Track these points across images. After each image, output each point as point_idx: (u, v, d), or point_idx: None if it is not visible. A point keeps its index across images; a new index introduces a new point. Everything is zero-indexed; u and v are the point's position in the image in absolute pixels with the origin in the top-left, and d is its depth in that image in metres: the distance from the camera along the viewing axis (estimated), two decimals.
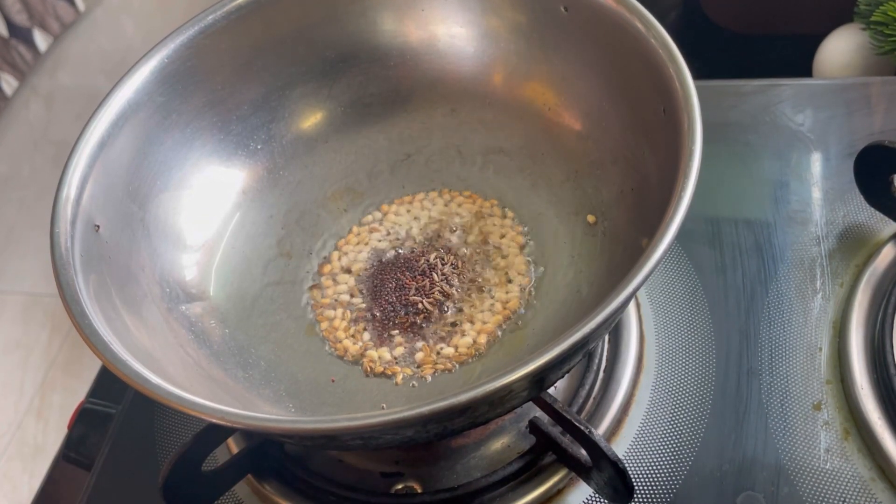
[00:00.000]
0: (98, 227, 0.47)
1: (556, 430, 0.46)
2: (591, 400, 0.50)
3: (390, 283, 0.54)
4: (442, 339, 0.51)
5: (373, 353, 0.51)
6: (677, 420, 0.50)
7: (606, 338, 0.53)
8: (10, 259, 1.54)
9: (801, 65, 0.73)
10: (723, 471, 0.47)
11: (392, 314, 0.53)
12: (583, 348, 0.38)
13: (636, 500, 0.47)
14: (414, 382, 0.50)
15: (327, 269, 0.56)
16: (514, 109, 0.57)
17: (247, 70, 0.56)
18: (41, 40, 1.75)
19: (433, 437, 0.40)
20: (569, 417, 0.43)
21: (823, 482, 0.46)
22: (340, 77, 0.59)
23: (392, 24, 0.58)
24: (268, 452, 0.50)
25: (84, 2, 1.87)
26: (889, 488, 0.45)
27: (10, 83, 1.71)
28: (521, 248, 0.54)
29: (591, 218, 0.53)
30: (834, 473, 0.46)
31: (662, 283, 0.56)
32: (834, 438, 0.47)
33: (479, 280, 0.53)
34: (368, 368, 0.51)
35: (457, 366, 0.50)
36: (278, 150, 0.59)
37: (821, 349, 0.51)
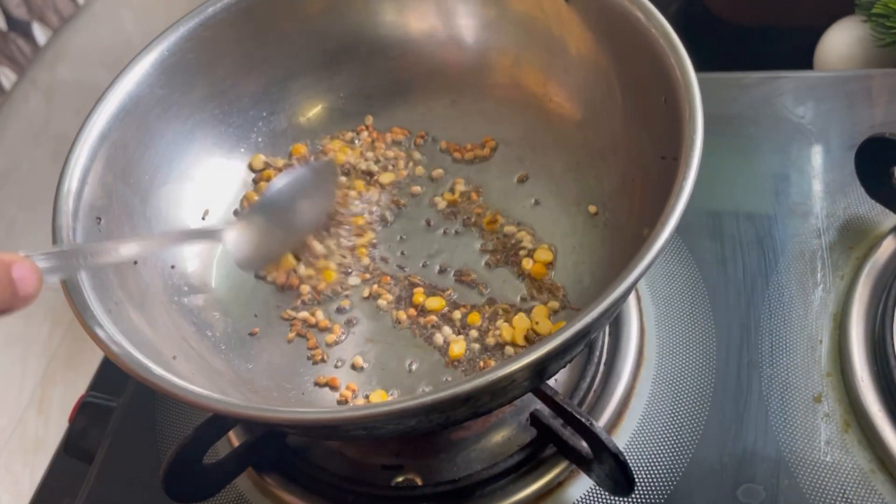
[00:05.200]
0: (100, 219, 0.47)
1: (556, 423, 0.46)
2: (592, 392, 0.50)
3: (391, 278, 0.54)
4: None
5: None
6: (678, 412, 0.50)
7: (607, 330, 0.53)
8: None
9: (802, 57, 0.73)
10: (723, 463, 0.47)
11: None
12: (584, 338, 0.38)
13: (637, 492, 0.47)
14: (416, 374, 0.50)
15: (321, 263, 0.55)
16: (515, 100, 0.57)
17: (247, 62, 0.56)
18: (40, 34, 1.74)
19: (436, 427, 0.40)
20: (569, 410, 0.43)
21: (824, 474, 0.46)
22: (341, 68, 0.59)
23: (393, 16, 0.58)
24: (269, 445, 0.50)
25: None
26: (889, 480, 0.45)
27: (8, 77, 1.70)
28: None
29: (592, 208, 0.52)
30: (834, 466, 0.46)
31: (663, 276, 0.56)
32: (834, 430, 0.47)
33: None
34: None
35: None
36: (279, 141, 0.59)
37: (821, 341, 0.51)
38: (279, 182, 0.54)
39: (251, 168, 0.58)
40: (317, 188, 0.55)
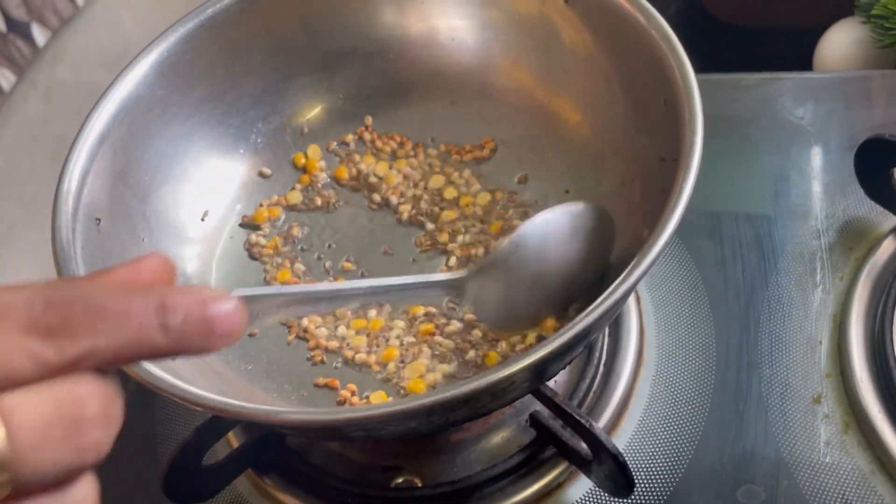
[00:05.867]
0: (99, 220, 0.47)
1: (556, 424, 0.46)
2: (592, 393, 0.50)
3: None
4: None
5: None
6: (677, 413, 0.50)
7: (606, 331, 0.53)
8: (9, 255, 1.53)
9: (801, 58, 0.73)
10: (723, 464, 0.47)
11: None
12: (584, 339, 0.38)
13: (636, 493, 0.47)
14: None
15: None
16: (514, 101, 0.57)
17: (246, 63, 0.56)
18: (39, 35, 1.74)
19: (435, 428, 0.41)
20: (569, 411, 0.43)
21: (823, 475, 0.46)
22: (340, 69, 0.59)
23: (392, 17, 0.58)
24: (268, 446, 0.50)
25: None
26: (889, 481, 0.45)
27: (7, 78, 1.70)
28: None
29: None
30: (834, 467, 0.46)
31: (662, 277, 0.56)
32: (834, 432, 0.47)
33: None
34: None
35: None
36: (278, 142, 0.59)
37: (821, 342, 0.51)
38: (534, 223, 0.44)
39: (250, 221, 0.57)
40: (581, 237, 0.45)
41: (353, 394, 0.49)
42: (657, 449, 0.49)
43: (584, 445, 0.44)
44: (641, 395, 0.51)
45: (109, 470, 0.56)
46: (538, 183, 0.56)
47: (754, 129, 0.62)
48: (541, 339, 0.47)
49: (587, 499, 0.47)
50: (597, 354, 0.51)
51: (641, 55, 0.46)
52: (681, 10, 0.82)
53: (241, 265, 0.56)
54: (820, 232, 0.56)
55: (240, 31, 0.55)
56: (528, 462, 0.48)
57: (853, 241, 0.55)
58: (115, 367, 0.25)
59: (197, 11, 0.54)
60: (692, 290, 0.55)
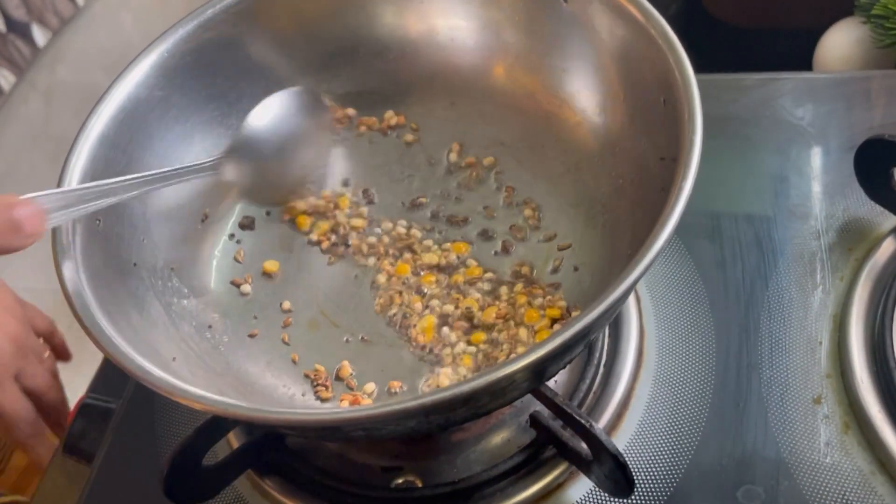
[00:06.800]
0: (99, 220, 0.47)
1: (556, 424, 0.46)
2: (592, 394, 0.50)
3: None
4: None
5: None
6: (677, 414, 0.50)
7: (606, 332, 0.53)
8: (9, 255, 1.53)
9: (801, 58, 0.73)
10: (723, 464, 0.47)
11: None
12: (584, 339, 0.38)
13: (636, 493, 0.47)
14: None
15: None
16: (514, 102, 0.57)
17: (246, 64, 0.56)
18: (39, 35, 1.74)
19: (435, 428, 0.40)
20: (569, 411, 0.43)
21: (823, 476, 0.46)
22: (340, 71, 0.59)
23: (392, 18, 0.58)
24: (268, 447, 0.50)
25: None
26: (889, 482, 0.45)
27: (7, 79, 1.70)
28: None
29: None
30: (834, 467, 0.46)
31: (662, 278, 0.56)
32: (834, 432, 0.47)
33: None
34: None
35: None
36: None
37: (821, 343, 0.51)
38: (264, 113, 0.54)
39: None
40: (305, 116, 0.55)
41: (351, 390, 0.49)
42: (657, 449, 0.49)
43: (584, 446, 0.44)
44: (641, 395, 0.51)
45: (110, 470, 0.56)
46: (538, 183, 0.56)
47: (754, 130, 0.62)
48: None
49: (587, 499, 0.47)
50: (597, 355, 0.51)
51: (641, 55, 0.46)
52: (681, 10, 0.82)
53: (241, 266, 0.56)
54: (820, 232, 0.56)
55: (239, 32, 0.55)
56: (529, 462, 0.48)
57: (853, 241, 0.55)
58: None
59: (197, 12, 0.54)
60: (692, 290, 0.55)
